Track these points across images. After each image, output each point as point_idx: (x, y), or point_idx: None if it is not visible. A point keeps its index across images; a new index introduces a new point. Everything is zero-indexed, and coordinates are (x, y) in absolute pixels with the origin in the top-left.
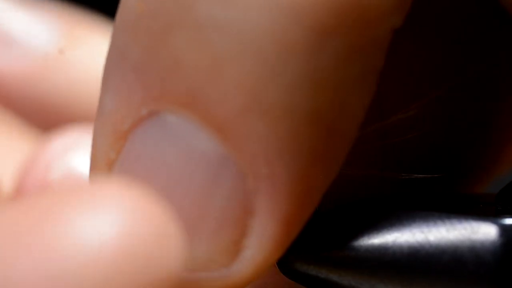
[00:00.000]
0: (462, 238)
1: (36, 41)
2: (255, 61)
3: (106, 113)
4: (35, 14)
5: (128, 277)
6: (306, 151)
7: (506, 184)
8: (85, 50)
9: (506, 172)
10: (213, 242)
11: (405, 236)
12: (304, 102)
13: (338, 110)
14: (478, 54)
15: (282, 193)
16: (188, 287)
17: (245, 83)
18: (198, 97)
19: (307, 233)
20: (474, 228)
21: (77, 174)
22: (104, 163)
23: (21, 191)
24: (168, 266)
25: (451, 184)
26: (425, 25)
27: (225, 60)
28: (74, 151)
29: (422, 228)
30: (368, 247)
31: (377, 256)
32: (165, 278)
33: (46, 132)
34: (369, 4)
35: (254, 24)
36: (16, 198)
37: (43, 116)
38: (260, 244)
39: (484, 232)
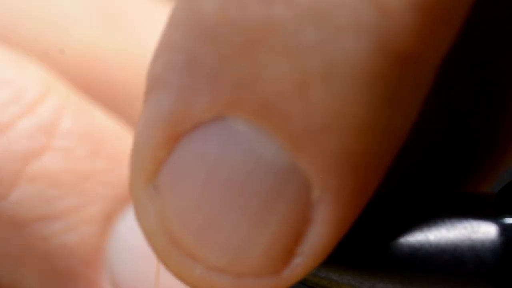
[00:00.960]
0: (462, 238)
1: None
2: (342, 82)
3: (160, 113)
4: None
5: None
6: (375, 164)
7: (506, 184)
8: None
9: (506, 170)
10: (268, 249)
11: (405, 235)
12: (382, 121)
13: (405, 127)
14: (484, 54)
15: (345, 204)
16: None
17: (329, 102)
18: (275, 110)
19: None
20: (474, 228)
21: None
22: (152, 162)
23: None
24: None
25: (454, 184)
26: None
27: (312, 78)
28: None
29: (422, 227)
30: (368, 246)
31: (377, 255)
32: None
33: None
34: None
35: (344, 46)
36: None
37: None
38: (312, 252)
39: (484, 231)
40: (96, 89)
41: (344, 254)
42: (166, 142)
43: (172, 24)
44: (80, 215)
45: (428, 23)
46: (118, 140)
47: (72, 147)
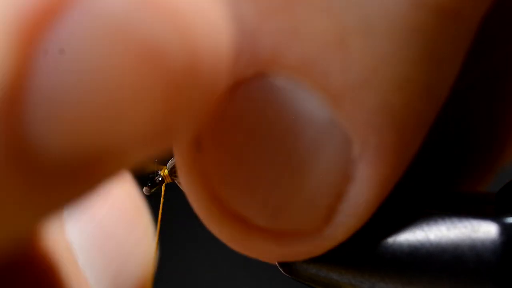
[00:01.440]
0: (463, 237)
1: None
2: (381, 37)
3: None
4: None
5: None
6: (415, 121)
7: (506, 183)
8: None
9: (506, 169)
10: (308, 205)
11: (405, 235)
12: (422, 76)
13: (446, 85)
14: (484, 54)
15: (385, 162)
16: (280, 250)
17: (369, 57)
18: (315, 65)
19: None
20: (475, 227)
21: None
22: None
23: None
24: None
25: (453, 182)
26: None
27: (352, 33)
28: None
29: (422, 227)
30: (369, 245)
31: (377, 255)
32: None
33: None
34: None
35: (384, 2)
36: None
37: None
38: (354, 210)
39: (484, 230)
40: None
41: (344, 254)
42: (209, 101)
43: None
44: None
45: None
46: None
47: None
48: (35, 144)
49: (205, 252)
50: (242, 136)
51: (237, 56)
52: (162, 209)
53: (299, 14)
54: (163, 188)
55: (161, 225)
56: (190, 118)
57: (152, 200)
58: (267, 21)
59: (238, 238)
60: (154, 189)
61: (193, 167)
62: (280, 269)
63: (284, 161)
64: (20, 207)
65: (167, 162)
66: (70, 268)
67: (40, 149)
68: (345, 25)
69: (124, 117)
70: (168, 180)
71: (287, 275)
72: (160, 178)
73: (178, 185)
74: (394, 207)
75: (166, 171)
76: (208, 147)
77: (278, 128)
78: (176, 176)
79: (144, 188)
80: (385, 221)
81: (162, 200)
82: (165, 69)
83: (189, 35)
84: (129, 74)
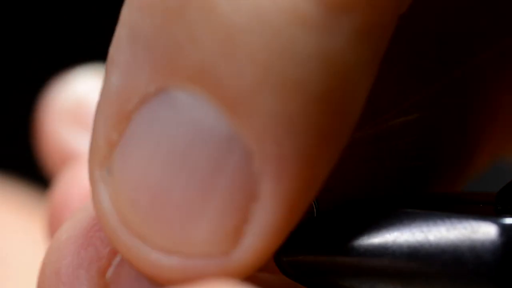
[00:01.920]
0: (462, 238)
1: None
2: (268, 36)
3: (111, 92)
4: None
5: None
6: (313, 130)
7: (506, 184)
8: None
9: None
10: (214, 226)
11: (405, 236)
12: (315, 79)
13: (346, 89)
14: (461, 53)
15: (289, 176)
16: (186, 274)
17: (258, 57)
18: (209, 71)
19: (307, 232)
20: (474, 228)
21: None
22: (105, 144)
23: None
24: None
25: (422, 185)
26: (413, 25)
27: (238, 34)
28: None
29: (422, 228)
30: (368, 246)
31: (377, 256)
32: None
33: None
34: None
35: None
36: None
37: None
38: (261, 230)
39: (484, 231)
40: None
41: (343, 254)
42: (117, 122)
43: (124, 5)
44: None
45: None
46: None
47: None
48: None
49: None
50: (145, 157)
51: (138, 73)
52: None
53: (190, 21)
54: None
55: None
56: None
57: None
58: (162, 32)
59: (145, 260)
60: None
61: (102, 190)
62: (279, 270)
63: (186, 180)
64: None
65: None
66: None
67: None
68: (232, 25)
69: None
70: None
71: (286, 275)
72: None
73: None
74: (393, 208)
75: None
76: (117, 170)
77: (180, 146)
78: None
79: None
80: (385, 222)
81: None
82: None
83: None
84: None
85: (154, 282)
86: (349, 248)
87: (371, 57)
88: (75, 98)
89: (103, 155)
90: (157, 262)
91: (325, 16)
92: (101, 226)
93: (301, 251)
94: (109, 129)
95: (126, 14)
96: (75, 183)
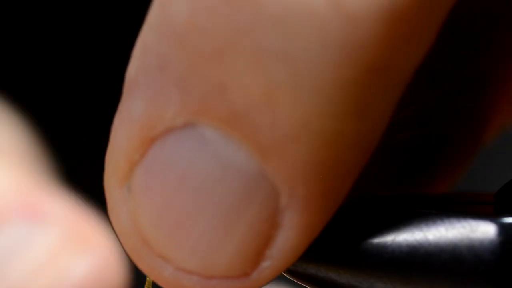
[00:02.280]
0: (461, 237)
1: None
2: (310, 93)
3: (134, 116)
4: None
5: None
6: (342, 172)
7: (504, 183)
8: None
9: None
10: (237, 252)
11: (404, 235)
12: (350, 131)
13: (375, 136)
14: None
15: (312, 210)
16: None
17: (297, 112)
18: (243, 119)
19: None
20: (473, 227)
21: None
22: (126, 164)
23: None
24: None
25: (415, 182)
26: None
27: (279, 89)
28: None
29: (421, 227)
30: (367, 245)
31: (376, 255)
32: None
33: None
34: (411, 45)
35: (312, 57)
36: None
37: None
38: (281, 255)
39: (482, 230)
40: None
41: (343, 254)
42: (139, 145)
43: (147, 27)
44: None
45: (397, 33)
46: None
47: None
48: None
49: None
50: (171, 183)
51: (166, 104)
52: None
53: (228, 66)
54: None
55: None
56: None
57: None
58: (196, 71)
59: (167, 279)
60: None
61: (122, 207)
62: None
63: (213, 209)
64: None
65: None
66: None
67: None
68: (273, 79)
69: None
70: None
71: (285, 274)
72: None
73: None
74: (393, 207)
75: None
76: (138, 190)
77: (207, 178)
78: None
79: None
80: (384, 221)
81: None
82: None
83: None
84: None
85: None
86: (348, 247)
87: (392, 104)
88: None
89: (123, 174)
90: (177, 281)
91: (363, 76)
92: (122, 243)
93: None
94: (130, 150)
95: (153, 41)
96: None
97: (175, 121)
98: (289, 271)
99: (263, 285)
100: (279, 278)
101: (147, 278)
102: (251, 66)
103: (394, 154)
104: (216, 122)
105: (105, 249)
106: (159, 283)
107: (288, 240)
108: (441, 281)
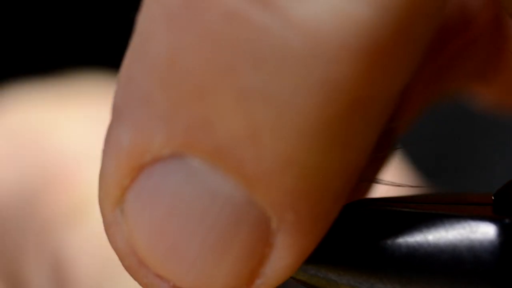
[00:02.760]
0: (461, 238)
1: None
2: (292, 131)
3: (122, 145)
4: None
5: None
6: (331, 198)
7: (504, 184)
8: None
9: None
10: (232, 272)
11: (404, 236)
12: (334, 163)
13: (360, 163)
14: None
15: (302, 233)
16: None
17: (281, 150)
18: (228, 154)
19: None
20: (473, 228)
21: None
22: (117, 189)
23: None
24: None
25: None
26: None
27: (262, 127)
28: None
29: (420, 228)
30: (367, 246)
31: (376, 256)
32: None
33: None
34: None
35: (294, 96)
36: None
37: None
38: (275, 273)
39: (482, 231)
40: None
41: (343, 255)
42: (128, 172)
43: (129, 56)
44: None
45: (377, 67)
46: None
47: None
48: None
49: None
50: (161, 209)
51: (152, 135)
52: None
53: (210, 105)
54: None
55: None
56: None
57: None
58: (179, 108)
59: None
60: None
61: (116, 229)
62: None
63: (205, 234)
64: None
65: None
66: None
67: None
68: (255, 120)
69: None
70: None
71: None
72: None
73: None
74: (392, 208)
75: None
76: (130, 214)
77: (196, 206)
78: None
79: None
80: (384, 222)
81: None
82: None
83: None
84: None
85: None
86: (347, 248)
87: (375, 135)
88: None
89: (115, 198)
90: None
91: (346, 114)
92: (121, 263)
93: None
94: (120, 177)
95: (136, 74)
96: None
97: (162, 151)
98: None
99: None
100: None
101: None
102: (233, 105)
103: None
104: (202, 155)
105: None
106: None
107: (281, 259)
108: (441, 282)
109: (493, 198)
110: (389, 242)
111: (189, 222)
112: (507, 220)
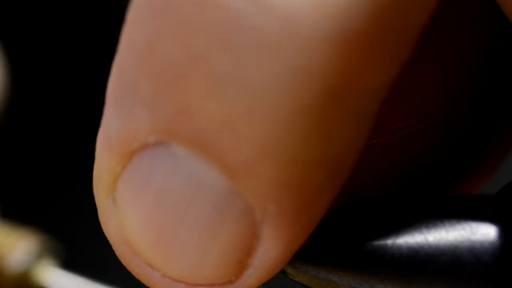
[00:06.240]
0: (461, 239)
1: None
2: (267, 118)
3: (112, 134)
4: None
5: None
6: (313, 190)
7: (504, 185)
8: None
9: (504, 171)
10: (220, 260)
11: (404, 237)
12: (313, 152)
13: (349, 154)
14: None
15: (288, 225)
16: None
17: (256, 137)
18: (208, 141)
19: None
20: (473, 229)
21: None
22: (109, 176)
23: None
24: None
25: (448, 184)
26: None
27: (236, 114)
28: None
29: (421, 229)
30: (368, 247)
31: (376, 257)
32: None
33: None
34: (374, 68)
35: (267, 83)
36: None
37: None
38: (263, 264)
39: (483, 233)
40: None
41: (343, 256)
42: (119, 159)
43: (120, 45)
44: None
45: (354, 56)
46: None
47: None
48: None
49: None
50: (150, 197)
51: (138, 122)
52: None
53: (188, 91)
54: None
55: None
56: None
57: None
58: (160, 94)
59: (155, 285)
60: None
61: (109, 217)
62: (279, 271)
63: (191, 223)
64: None
65: None
66: None
67: None
68: (229, 105)
69: None
70: None
71: (286, 276)
72: None
73: None
74: (393, 210)
75: None
76: (122, 201)
77: (181, 195)
78: None
79: None
80: (384, 223)
81: None
82: None
83: None
84: None
85: None
86: (348, 249)
87: (359, 128)
88: None
89: (108, 185)
90: (161, 286)
91: (322, 101)
92: (114, 250)
93: (301, 253)
94: (112, 163)
95: (122, 62)
96: None
97: (148, 139)
98: (289, 273)
99: None
100: (280, 278)
101: None
102: (209, 92)
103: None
104: (184, 142)
105: None
106: (149, 285)
107: (268, 250)
108: (442, 283)
109: (493, 199)
110: (389, 243)
111: (176, 211)
112: (507, 222)
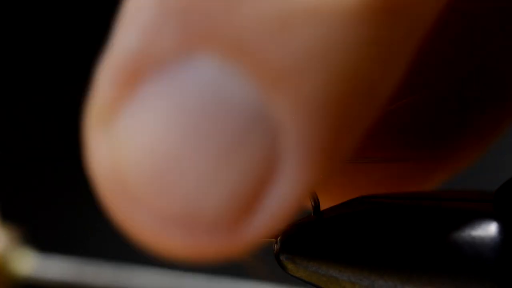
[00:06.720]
0: (462, 235)
1: None
2: (329, 25)
3: (126, 50)
4: None
5: None
6: (352, 120)
7: (505, 181)
8: None
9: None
10: (226, 198)
11: (404, 232)
12: (366, 72)
13: (388, 84)
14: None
15: (312, 161)
16: (191, 242)
17: (311, 45)
18: (251, 47)
19: (308, 229)
20: (474, 225)
21: None
22: (110, 100)
23: None
24: None
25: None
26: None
27: (294, 18)
28: None
29: (421, 224)
30: (368, 243)
31: (377, 252)
32: None
33: None
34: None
35: None
36: None
37: None
38: (272, 211)
39: (483, 228)
40: None
41: (343, 251)
42: (127, 81)
43: None
44: None
45: None
46: None
47: None
48: None
49: None
50: (158, 121)
51: (163, 35)
52: None
53: None
54: None
55: None
56: None
57: None
58: None
59: (140, 227)
60: None
61: (102, 147)
62: (279, 266)
63: (202, 151)
64: None
65: None
66: None
67: None
68: (288, 7)
69: None
70: None
71: (286, 272)
72: None
73: None
74: (393, 205)
75: None
76: (123, 129)
77: (199, 116)
78: None
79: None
80: (385, 218)
81: None
82: None
83: None
84: None
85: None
86: (349, 245)
87: (408, 54)
88: None
89: (107, 111)
90: (154, 231)
91: (382, 13)
92: (96, 187)
93: (301, 249)
94: (117, 87)
95: None
96: None
97: (171, 55)
98: (290, 269)
99: (252, 245)
100: (280, 278)
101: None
102: None
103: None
104: (219, 51)
105: None
106: (130, 233)
107: (283, 194)
108: (442, 279)
109: (494, 195)
110: (390, 238)
111: (189, 135)
112: (508, 218)
